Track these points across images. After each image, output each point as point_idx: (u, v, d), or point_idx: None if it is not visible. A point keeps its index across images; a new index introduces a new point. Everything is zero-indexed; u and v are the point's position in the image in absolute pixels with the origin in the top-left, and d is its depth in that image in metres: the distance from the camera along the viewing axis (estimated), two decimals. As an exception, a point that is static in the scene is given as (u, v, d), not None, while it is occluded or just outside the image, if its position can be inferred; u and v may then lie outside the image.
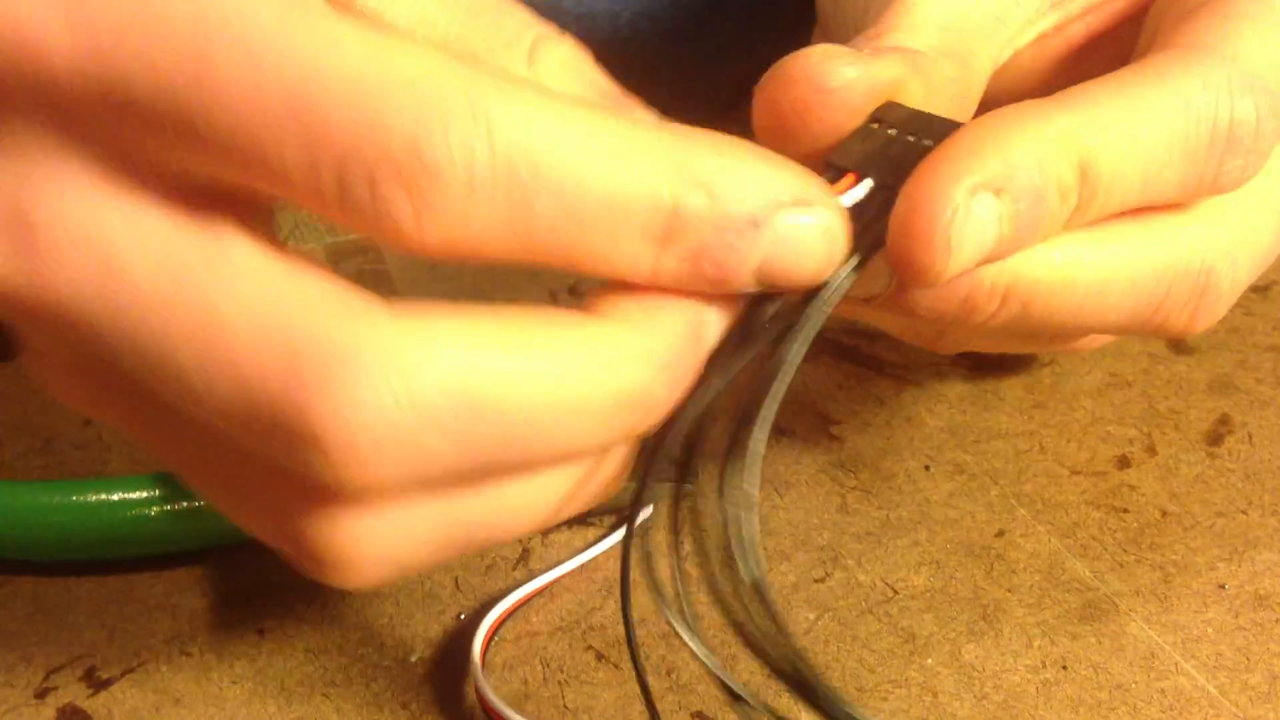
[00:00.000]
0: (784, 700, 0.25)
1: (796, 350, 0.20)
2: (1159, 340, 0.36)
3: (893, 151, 0.21)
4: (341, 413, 0.16)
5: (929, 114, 0.22)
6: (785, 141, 0.22)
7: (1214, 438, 0.33)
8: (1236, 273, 0.23)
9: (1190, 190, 0.22)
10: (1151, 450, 0.33)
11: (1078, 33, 0.26)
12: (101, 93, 0.16)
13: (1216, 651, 0.27)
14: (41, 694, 0.26)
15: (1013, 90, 0.25)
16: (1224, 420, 0.33)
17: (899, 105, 0.22)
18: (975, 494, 0.31)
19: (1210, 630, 0.27)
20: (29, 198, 0.17)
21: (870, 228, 0.20)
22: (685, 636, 0.21)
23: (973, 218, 0.20)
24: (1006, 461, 0.32)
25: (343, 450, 0.17)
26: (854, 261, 0.20)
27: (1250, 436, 0.33)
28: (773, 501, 0.31)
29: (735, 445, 0.21)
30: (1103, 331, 0.24)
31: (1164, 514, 0.31)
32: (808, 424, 0.34)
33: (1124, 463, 0.32)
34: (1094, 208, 0.21)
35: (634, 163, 0.18)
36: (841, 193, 0.20)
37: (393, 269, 0.40)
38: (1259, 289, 0.38)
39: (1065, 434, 0.33)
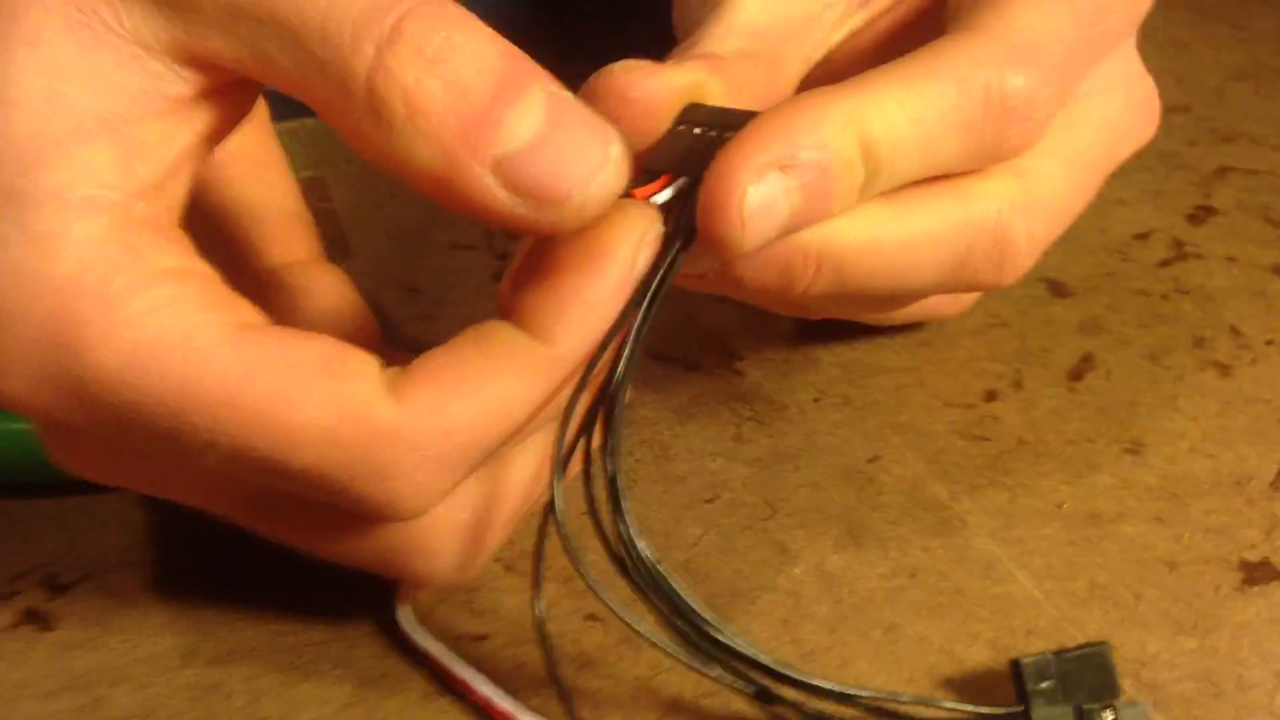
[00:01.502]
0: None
1: (642, 325, 0.24)
2: (1041, 284, 0.39)
3: (698, 148, 0.24)
4: (388, 492, 0.22)
5: (729, 109, 0.25)
6: None
7: (1076, 374, 0.36)
8: (1033, 225, 0.26)
9: (974, 158, 0.25)
10: (1018, 385, 0.36)
11: (884, 26, 0.28)
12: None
13: (1047, 562, 0.31)
14: (6, 597, 0.30)
15: (829, 84, 0.28)
16: (1087, 358, 0.37)
17: (701, 105, 0.25)
18: (856, 424, 0.35)
19: (1044, 544, 0.31)
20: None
21: (688, 217, 0.24)
22: (570, 556, 0.25)
23: (761, 193, 0.23)
24: (887, 395, 0.36)
25: (394, 509, 0.23)
26: (676, 247, 0.24)
27: (1109, 374, 0.36)
28: (674, 430, 0.35)
29: (609, 410, 0.24)
30: (919, 291, 0.27)
31: (1020, 442, 0.34)
32: (713, 359, 0.37)
33: (991, 396, 0.36)
34: (882, 178, 0.24)
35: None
36: (655, 193, 0.24)
37: (339, 207, 0.44)
38: (1139, 236, 0.42)
39: (943, 370, 0.37)
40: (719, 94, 0.25)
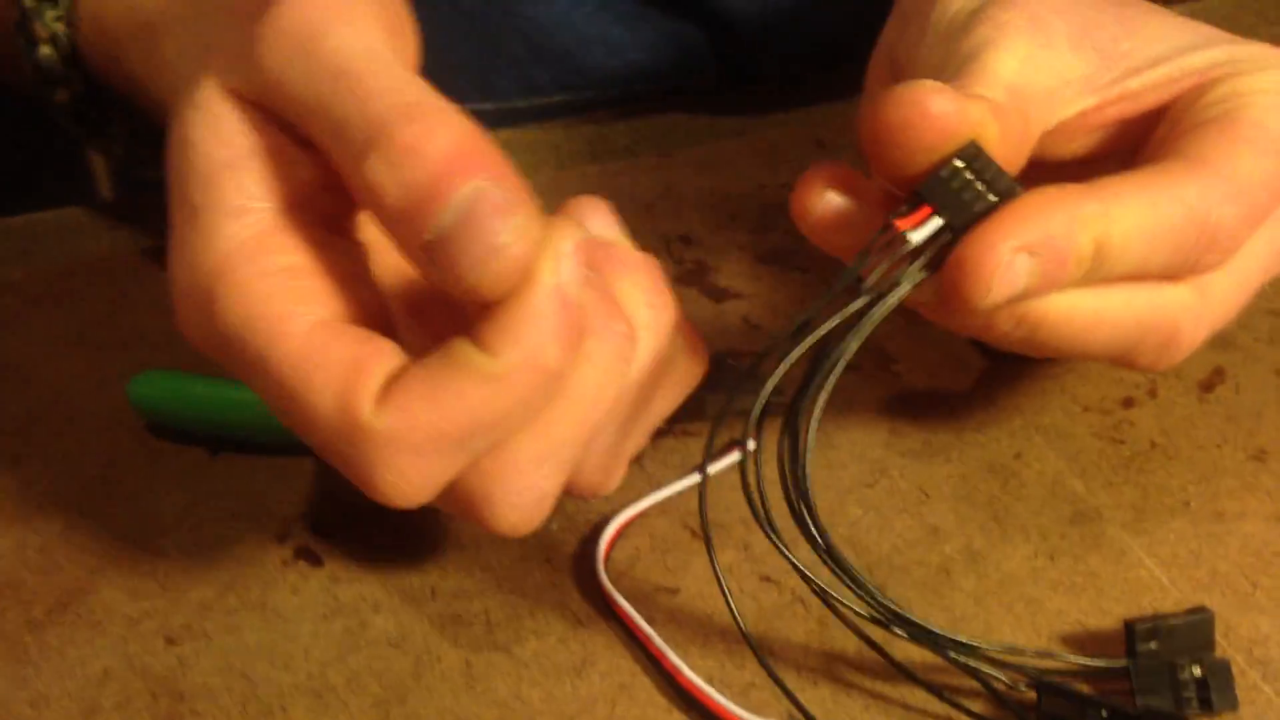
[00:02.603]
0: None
1: (857, 337, 0.29)
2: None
3: (965, 198, 0.28)
4: (378, 480, 0.27)
5: (1002, 172, 0.28)
6: (883, 149, 0.28)
7: (1207, 385, 0.40)
8: (1197, 333, 0.31)
9: (1173, 269, 0.30)
10: (1153, 393, 0.40)
11: (1109, 115, 0.32)
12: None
13: (1173, 552, 0.35)
14: (282, 538, 0.36)
15: (1054, 148, 0.32)
16: (1218, 371, 0.40)
17: (980, 150, 0.28)
18: (1002, 423, 0.39)
19: (1172, 536, 0.35)
20: None
21: (934, 255, 0.28)
22: (759, 521, 0.30)
23: (1011, 271, 0.28)
24: (1031, 398, 0.40)
25: (386, 495, 0.28)
26: (917, 277, 0.28)
27: (1238, 386, 0.40)
28: (837, 423, 0.39)
29: (804, 403, 0.29)
30: (1088, 358, 0.32)
31: (1153, 445, 0.38)
32: (873, 361, 0.42)
33: (1129, 403, 0.40)
34: (1102, 272, 0.29)
35: None
36: (917, 222, 0.28)
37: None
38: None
39: (1084, 378, 0.40)
40: (994, 138, 0.29)
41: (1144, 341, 0.31)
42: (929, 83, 0.29)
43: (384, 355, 0.27)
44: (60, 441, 0.39)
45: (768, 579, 0.35)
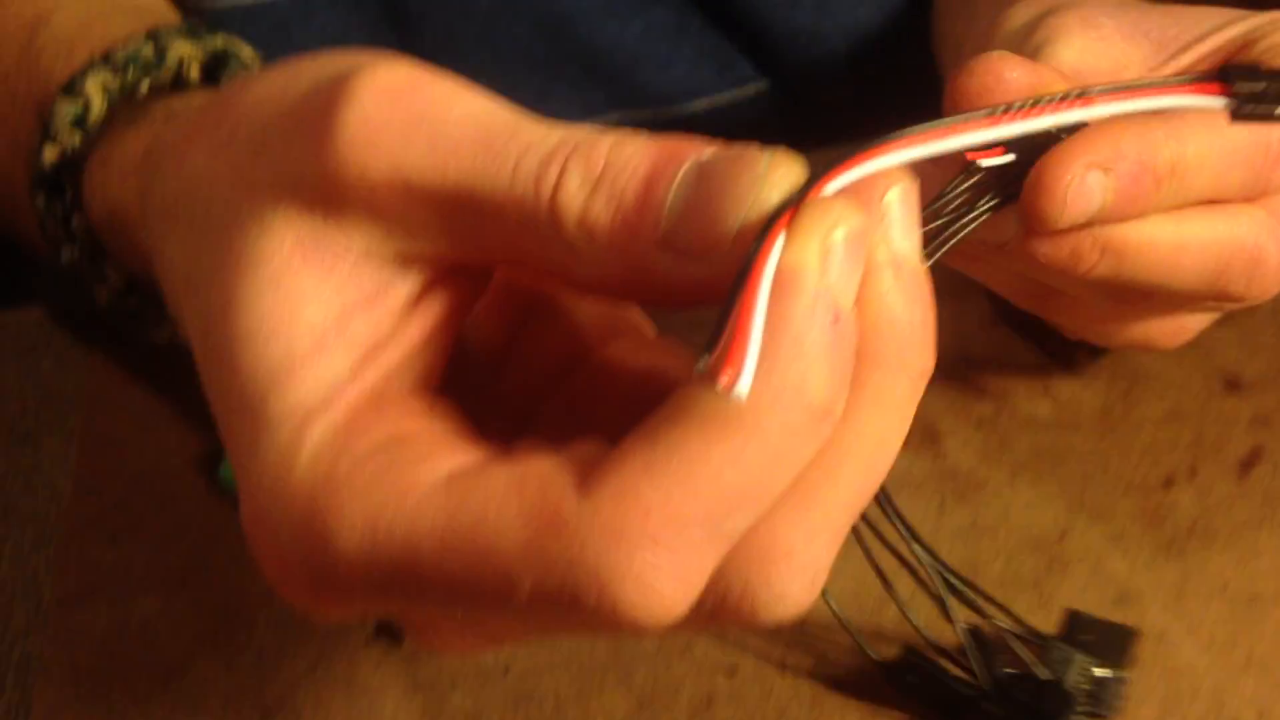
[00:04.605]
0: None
1: (939, 253, 0.30)
2: (1218, 378, 0.44)
3: (1035, 139, 0.30)
4: (614, 597, 0.20)
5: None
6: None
7: (1246, 465, 0.41)
8: None
9: (1248, 190, 0.32)
10: (1193, 473, 0.41)
11: None
12: None
13: (1211, 634, 0.36)
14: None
15: None
16: (1257, 451, 0.42)
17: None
18: (1048, 503, 0.41)
19: (1210, 617, 0.37)
20: None
21: (1009, 186, 0.30)
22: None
23: (1085, 184, 0.29)
24: (1075, 477, 0.42)
25: (629, 615, 0.21)
26: (993, 201, 0.30)
27: (1276, 467, 0.41)
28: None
29: None
30: (1180, 292, 0.33)
31: (1193, 525, 0.40)
32: (919, 439, 0.43)
33: (1169, 482, 0.41)
34: (1180, 193, 0.31)
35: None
36: (990, 158, 0.30)
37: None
38: (1313, 336, 0.46)
39: (1126, 456, 0.42)
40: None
41: (1231, 267, 0.32)
42: (1002, 53, 0.31)
43: (553, 458, 0.21)
44: (157, 518, 0.42)
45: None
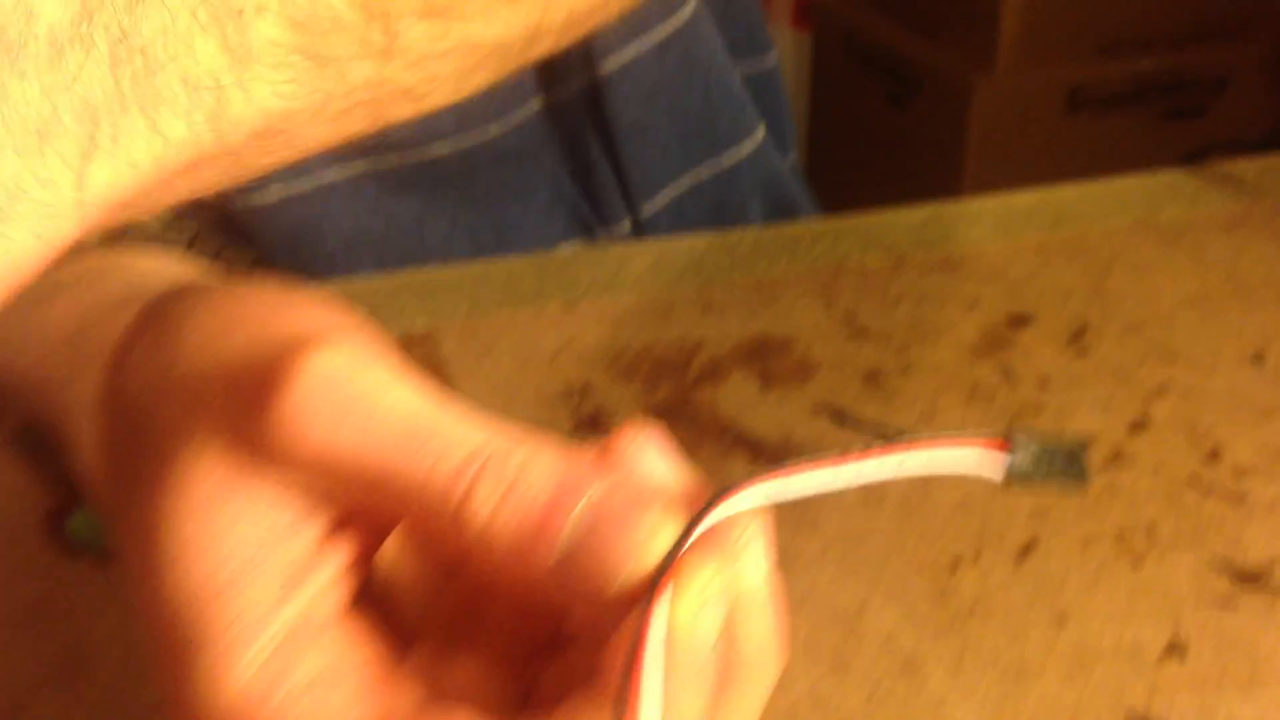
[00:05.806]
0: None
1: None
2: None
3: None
4: None
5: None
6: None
7: (1023, 552, 0.47)
8: None
9: None
10: (977, 557, 0.46)
11: None
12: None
13: (982, 702, 0.41)
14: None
15: None
16: (1033, 541, 0.47)
17: None
18: (848, 578, 0.45)
19: (982, 687, 0.41)
20: None
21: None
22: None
23: None
24: (876, 557, 0.46)
25: None
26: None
27: (1048, 555, 0.47)
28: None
29: None
30: None
31: (974, 604, 0.44)
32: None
33: (956, 564, 0.46)
34: None
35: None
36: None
37: (448, 358, 0.54)
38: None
39: (922, 539, 0.47)
40: None
41: None
42: None
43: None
44: (2, 562, 0.43)
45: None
